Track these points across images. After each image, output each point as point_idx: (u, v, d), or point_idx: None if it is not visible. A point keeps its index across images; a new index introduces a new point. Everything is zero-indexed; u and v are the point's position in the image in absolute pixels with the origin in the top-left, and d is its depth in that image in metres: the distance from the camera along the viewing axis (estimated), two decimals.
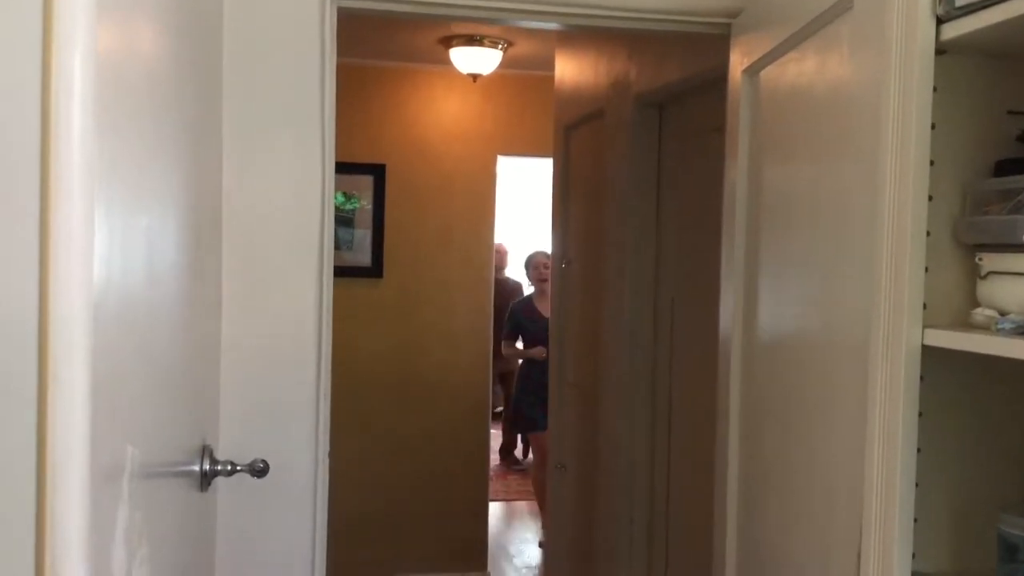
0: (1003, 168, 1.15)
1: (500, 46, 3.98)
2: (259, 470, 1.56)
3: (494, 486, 5.60)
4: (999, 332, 1.04)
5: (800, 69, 1.59)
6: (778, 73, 1.70)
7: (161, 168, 1.10)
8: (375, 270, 4.49)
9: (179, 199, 1.23)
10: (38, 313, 0.67)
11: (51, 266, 0.66)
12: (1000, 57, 1.17)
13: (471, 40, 3.92)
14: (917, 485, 1.12)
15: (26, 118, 0.69)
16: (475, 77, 4.13)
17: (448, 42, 3.95)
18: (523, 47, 4.06)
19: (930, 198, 1.13)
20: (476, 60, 4.01)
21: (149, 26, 1.01)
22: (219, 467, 1.51)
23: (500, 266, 6.65)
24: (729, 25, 1.93)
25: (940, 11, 1.11)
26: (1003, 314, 1.07)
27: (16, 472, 0.67)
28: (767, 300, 1.73)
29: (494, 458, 6.81)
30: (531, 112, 4.54)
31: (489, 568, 4.71)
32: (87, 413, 0.68)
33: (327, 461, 1.81)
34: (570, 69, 3.57)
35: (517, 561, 5.07)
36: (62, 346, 0.66)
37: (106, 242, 0.76)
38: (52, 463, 0.67)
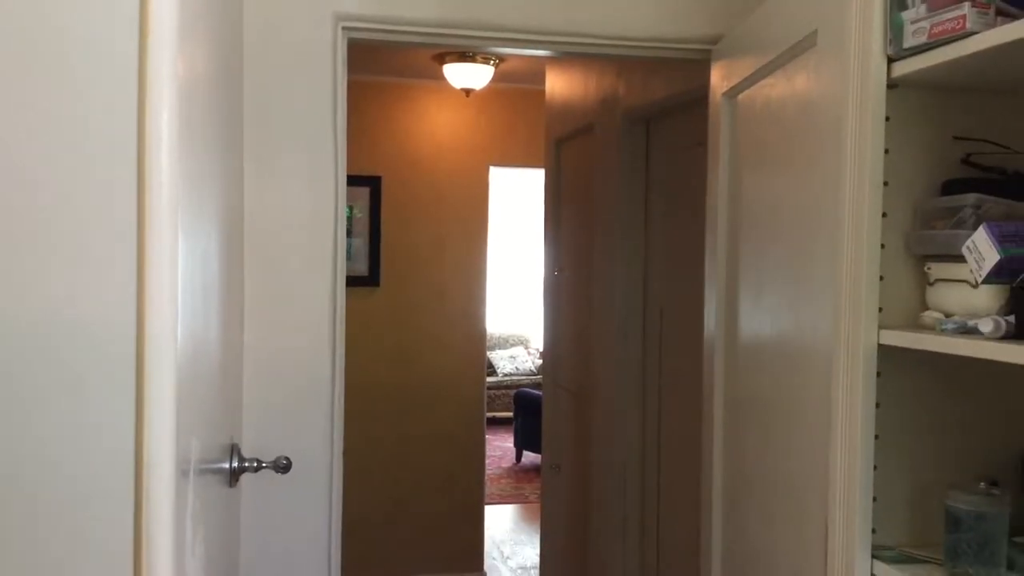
0: (949, 188, 1.30)
1: (492, 62, 4.12)
2: (283, 466, 1.69)
3: (490, 488, 5.72)
4: (944, 332, 1.19)
5: (774, 94, 1.74)
6: (754, 96, 1.85)
7: (211, 189, 1.23)
8: (372, 279, 4.60)
9: (219, 217, 1.37)
10: (136, 326, 0.81)
11: (147, 285, 0.80)
12: (945, 89, 1.32)
13: (464, 56, 4.05)
14: (876, 468, 1.27)
15: (123, 147, 0.81)
16: (468, 92, 4.26)
17: (442, 58, 4.08)
18: (514, 63, 4.19)
19: (884, 215, 1.29)
20: (469, 75, 4.14)
21: (201, 53, 1.13)
22: (246, 464, 1.64)
23: None
24: (709, 51, 2.08)
25: (891, 51, 1.27)
26: (948, 316, 1.22)
27: (118, 459, 0.81)
28: (746, 306, 1.87)
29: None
30: (523, 125, 4.67)
31: (485, 569, 4.81)
32: (174, 410, 0.82)
33: (342, 459, 1.95)
34: (560, 85, 3.69)
35: (512, 563, 5.18)
36: (155, 356, 0.80)
37: (183, 261, 0.90)
38: (147, 451, 0.81)
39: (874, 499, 1.26)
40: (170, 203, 0.81)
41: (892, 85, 1.29)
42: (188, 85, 0.96)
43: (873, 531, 1.27)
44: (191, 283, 0.98)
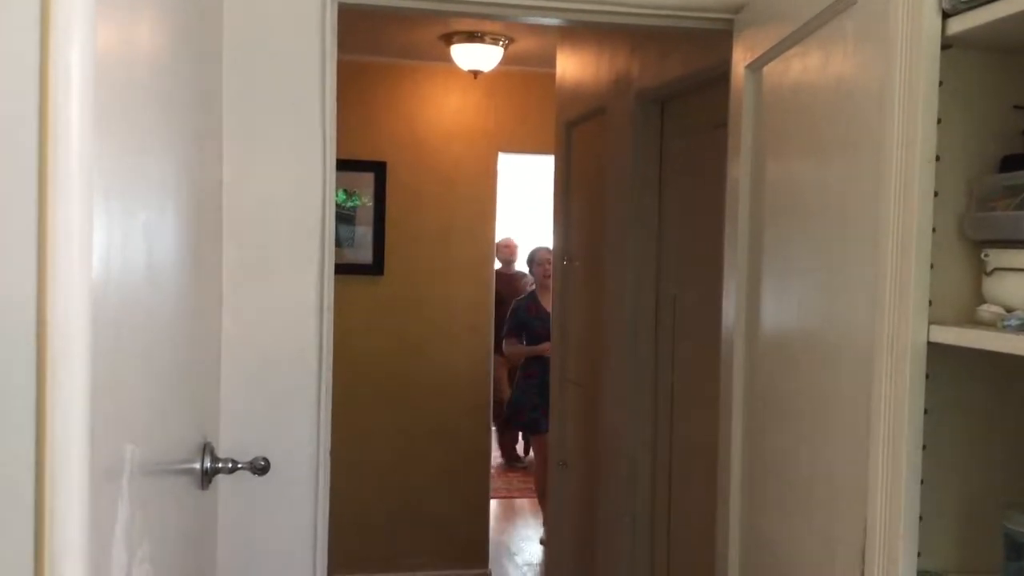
0: (1009, 164, 1.14)
1: (501, 43, 3.97)
2: (260, 468, 1.55)
3: (495, 483, 5.61)
4: (1005, 329, 1.03)
5: (804, 65, 1.58)
6: (781, 69, 1.69)
7: (161, 164, 1.09)
8: (376, 267, 4.48)
9: (179, 195, 1.23)
10: (36, 311, 0.66)
11: (49, 263, 0.66)
12: (1006, 52, 1.16)
13: (472, 37, 3.91)
14: (923, 482, 1.11)
15: (24, 113, 0.68)
16: (476, 74, 4.12)
17: (449, 39, 3.94)
18: (524, 44, 4.05)
19: (935, 194, 1.13)
20: (477, 57, 4.00)
21: (149, 21, 1.01)
22: (220, 465, 1.51)
23: (510, 260, 6.64)
24: (732, 21, 1.92)
25: (946, 5, 1.10)
26: (1009, 310, 1.06)
27: (15, 471, 0.66)
28: (770, 297, 1.72)
29: (497, 456, 6.84)
30: (532, 109, 4.53)
31: (490, 565, 4.71)
32: (86, 412, 0.68)
33: (328, 459, 1.81)
34: (571, 66, 3.56)
35: (518, 559, 5.07)
36: (60, 344, 0.66)
37: (104, 238, 0.75)
38: (51, 462, 0.66)
39: (920, 518, 1.11)
40: (81, 176, 0.67)
41: (946, 46, 1.13)
42: (119, 56, 0.82)
43: (918, 554, 1.12)
44: (123, 266, 0.84)
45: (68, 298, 0.66)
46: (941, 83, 1.13)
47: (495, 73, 4.21)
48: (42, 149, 0.67)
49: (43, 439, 0.66)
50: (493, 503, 4.95)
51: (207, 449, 1.48)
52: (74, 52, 0.69)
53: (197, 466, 1.44)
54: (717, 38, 2.01)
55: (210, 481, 1.51)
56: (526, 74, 4.53)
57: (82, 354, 0.67)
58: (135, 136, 0.93)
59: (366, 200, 4.47)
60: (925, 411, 1.11)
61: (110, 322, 0.77)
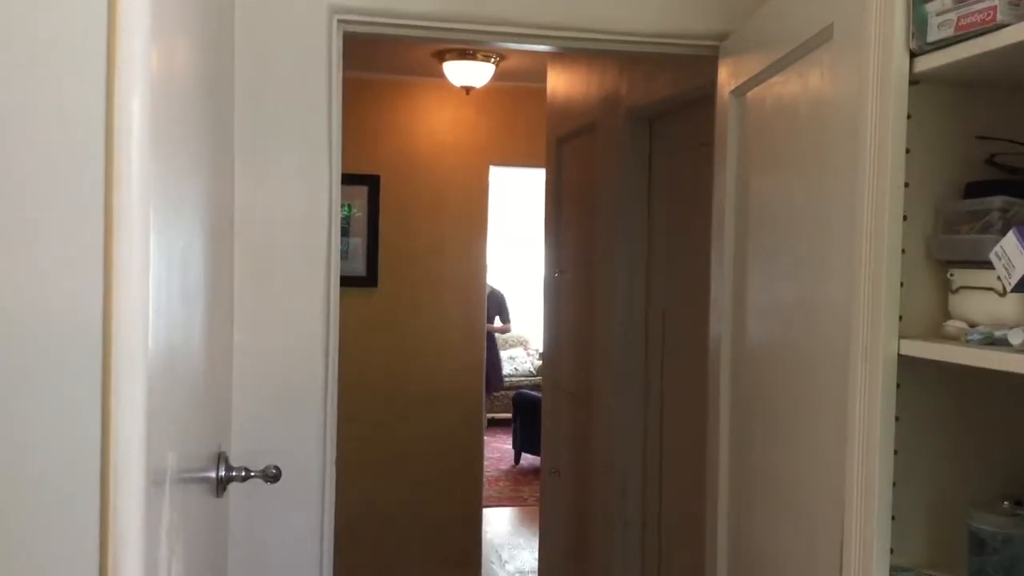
0: (973, 190, 1.24)
1: (493, 60, 4.06)
2: (272, 476, 1.62)
3: (488, 491, 5.67)
4: (969, 343, 1.12)
5: (785, 92, 1.68)
6: (764, 94, 1.79)
7: (193, 186, 1.17)
8: (370, 279, 4.55)
9: (204, 218, 1.30)
10: (102, 333, 0.74)
11: (114, 288, 0.74)
12: (969, 86, 1.26)
13: (464, 54, 4.00)
14: (895, 485, 1.20)
15: (92, 144, 0.75)
16: (468, 90, 4.21)
17: (441, 56, 4.02)
18: (515, 60, 4.14)
19: (905, 218, 1.22)
20: (469, 73, 4.08)
21: (183, 46, 1.07)
22: (234, 473, 1.58)
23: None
24: (717, 47, 2.02)
25: (913, 46, 1.20)
26: (972, 326, 1.16)
27: (83, 473, 0.74)
28: (754, 308, 1.81)
29: (488, 464, 6.96)
30: (523, 123, 4.62)
31: (482, 573, 4.76)
32: (144, 422, 0.76)
33: (334, 467, 1.88)
34: (562, 83, 3.64)
35: (510, 566, 5.12)
36: (125, 362, 0.74)
37: (157, 262, 0.83)
38: (114, 465, 0.74)
39: (892, 518, 1.20)
40: (140, 200, 0.75)
41: (914, 81, 1.22)
42: (164, 78, 0.90)
43: (891, 551, 1.21)
44: (167, 284, 0.92)
45: (131, 321, 0.74)
46: (909, 116, 1.22)
47: (486, 88, 4.30)
48: (108, 179, 0.75)
49: (107, 446, 0.74)
50: (485, 511, 5.01)
51: (222, 458, 1.55)
52: (137, 78, 0.76)
53: (213, 474, 1.51)
54: (703, 61, 2.10)
55: (224, 489, 1.58)
56: (517, 89, 4.62)
57: (142, 371, 0.75)
58: (175, 159, 1.00)
59: (359, 212, 4.54)
60: (897, 418, 1.20)
61: (160, 341, 0.85)
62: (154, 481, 0.85)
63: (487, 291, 6.27)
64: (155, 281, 0.80)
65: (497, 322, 7.12)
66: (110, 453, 0.74)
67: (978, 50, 1.10)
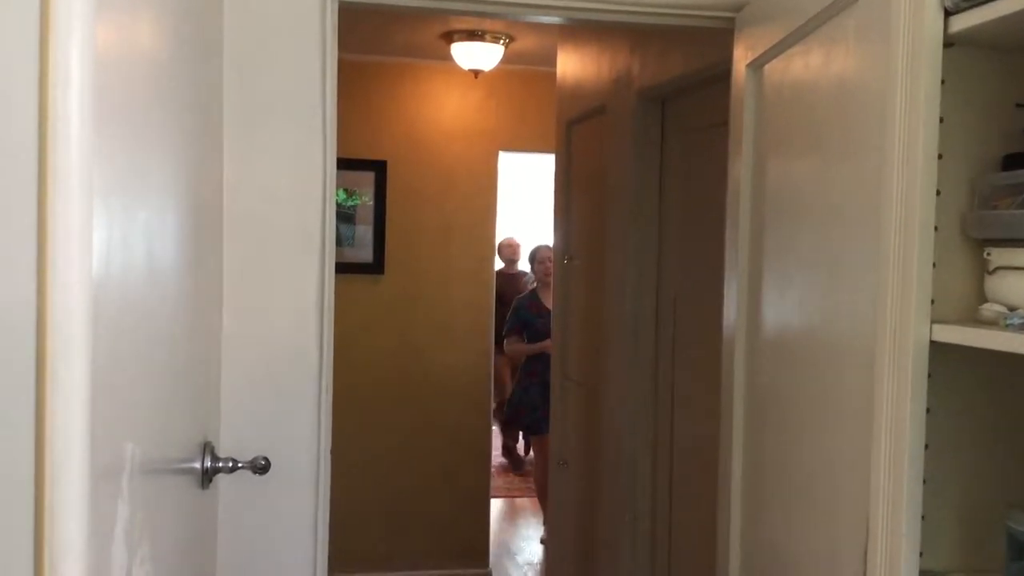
0: (1011, 162, 1.14)
1: (502, 41, 3.97)
2: (260, 467, 1.55)
3: (495, 483, 5.61)
4: (1008, 328, 1.03)
5: (805, 63, 1.58)
6: (783, 67, 1.69)
7: (161, 163, 1.09)
8: (376, 266, 4.48)
9: (180, 194, 1.22)
10: (36, 310, 0.66)
11: (49, 262, 0.65)
12: (1008, 50, 1.15)
13: (472, 35, 3.90)
14: (925, 482, 1.11)
15: (23, 112, 0.68)
16: (476, 73, 4.12)
17: (449, 37, 3.93)
18: (525, 42, 4.04)
19: (938, 192, 1.12)
20: (478, 56, 3.99)
21: (149, 20, 1.00)
22: (220, 464, 1.50)
23: (512, 259, 6.67)
24: (733, 19, 1.92)
25: (948, 3, 1.10)
26: (1012, 309, 1.06)
27: (15, 470, 0.66)
28: (771, 296, 1.72)
29: (497, 455, 6.85)
30: (533, 108, 4.53)
31: (491, 565, 4.70)
32: (86, 411, 0.68)
33: (329, 458, 1.80)
34: (572, 64, 3.56)
35: (519, 558, 5.06)
36: (61, 343, 0.65)
37: (104, 237, 0.75)
38: (51, 461, 0.66)
39: (922, 518, 1.10)
40: (80, 174, 0.66)
41: (948, 44, 1.12)
42: (119, 55, 0.82)
43: (920, 554, 1.11)
44: (123, 264, 0.84)
45: (68, 297, 0.66)
46: (943, 81, 1.12)
47: (495, 72, 4.20)
48: (42, 147, 0.67)
49: (43, 437, 0.66)
50: (493, 502, 4.95)
51: (207, 448, 1.48)
52: (73, 50, 0.69)
53: (197, 465, 1.43)
54: (717, 36, 2.00)
55: (211, 480, 1.50)
56: (526, 73, 4.53)
57: (82, 353, 0.67)
58: (135, 135, 0.93)
59: (366, 199, 4.46)
60: (927, 410, 1.11)
61: (110, 321, 0.77)
62: (104, 476, 0.77)
63: (523, 295, 5.12)
64: (102, 260, 0.72)
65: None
66: (45, 444, 0.65)
67: (1021, 6, 1.00)
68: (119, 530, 0.83)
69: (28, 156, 0.67)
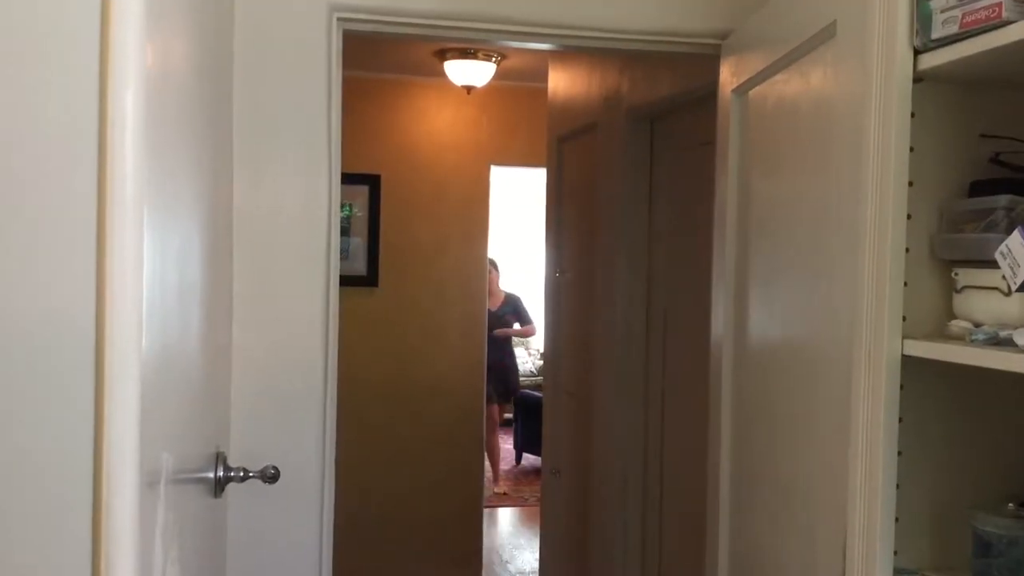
0: (977, 189, 1.23)
1: (494, 59, 4.05)
2: (270, 476, 1.61)
3: (490, 491, 5.66)
4: (973, 343, 1.11)
5: (787, 90, 1.67)
6: (766, 93, 1.77)
7: (189, 184, 1.16)
8: (370, 279, 4.54)
9: (201, 212, 1.29)
10: (95, 331, 0.73)
11: (107, 287, 0.73)
12: (973, 84, 1.24)
13: (465, 53, 3.98)
14: (898, 486, 1.19)
15: (84, 144, 0.74)
16: (469, 89, 4.20)
17: (443, 55, 4.01)
18: (516, 60, 4.13)
19: (908, 217, 1.21)
20: (470, 73, 4.07)
21: (179, 45, 1.07)
22: (232, 473, 1.57)
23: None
24: (719, 46, 2.01)
25: (918, 43, 1.19)
26: (977, 325, 1.15)
27: (75, 475, 0.73)
28: (756, 309, 1.80)
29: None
30: (524, 123, 4.61)
31: (483, 574, 4.75)
32: (138, 422, 0.75)
33: (334, 466, 1.87)
34: (563, 82, 3.63)
35: (511, 567, 5.11)
36: (118, 361, 0.73)
37: (151, 260, 0.82)
38: (108, 466, 0.73)
39: (896, 519, 1.19)
40: (135, 198, 0.74)
41: (918, 79, 1.21)
42: (160, 75, 0.89)
43: (895, 553, 1.19)
44: (162, 282, 0.91)
45: (125, 320, 0.73)
46: (913, 114, 1.21)
47: (488, 88, 4.29)
48: (101, 179, 0.74)
49: (100, 446, 0.73)
50: (486, 511, 5.00)
51: (220, 458, 1.54)
52: (130, 77, 0.75)
53: (211, 475, 1.50)
54: (705, 60, 2.08)
55: (222, 489, 1.57)
56: (518, 89, 4.61)
57: (135, 371, 0.74)
58: (171, 160, 0.99)
59: (360, 212, 4.53)
60: (900, 419, 1.19)
61: (155, 340, 0.84)
62: (148, 482, 0.84)
63: (502, 296, 6.25)
64: (149, 280, 0.79)
65: (516, 326, 6.73)
66: (103, 454, 0.73)
67: (983, 47, 1.09)
68: (158, 532, 0.90)
69: (88, 187, 0.74)
